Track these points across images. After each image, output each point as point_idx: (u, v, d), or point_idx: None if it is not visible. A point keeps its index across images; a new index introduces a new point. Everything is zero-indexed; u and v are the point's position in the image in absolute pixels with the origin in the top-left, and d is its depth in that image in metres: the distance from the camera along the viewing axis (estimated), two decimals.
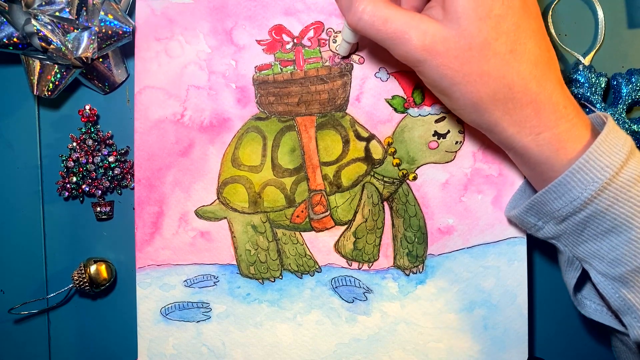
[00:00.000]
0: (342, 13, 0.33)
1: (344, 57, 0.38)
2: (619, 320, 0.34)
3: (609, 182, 0.29)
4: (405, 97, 0.38)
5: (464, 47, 0.29)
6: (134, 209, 0.40)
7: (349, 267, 0.39)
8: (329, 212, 0.39)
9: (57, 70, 0.38)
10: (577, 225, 0.31)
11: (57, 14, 0.36)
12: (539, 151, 0.31)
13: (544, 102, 0.30)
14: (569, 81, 0.40)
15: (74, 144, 0.40)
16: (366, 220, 0.39)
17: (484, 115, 0.31)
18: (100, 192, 0.40)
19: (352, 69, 0.38)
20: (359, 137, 0.39)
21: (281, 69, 0.39)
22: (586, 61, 0.40)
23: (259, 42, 0.39)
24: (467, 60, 0.29)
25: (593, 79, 0.39)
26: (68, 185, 0.40)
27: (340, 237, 0.39)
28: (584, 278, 0.35)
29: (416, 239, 0.39)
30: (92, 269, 0.40)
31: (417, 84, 0.38)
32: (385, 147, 0.39)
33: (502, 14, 0.29)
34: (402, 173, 0.39)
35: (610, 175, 0.29)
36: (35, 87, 0.38)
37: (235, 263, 0.39)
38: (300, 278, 0.39)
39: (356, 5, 0.31)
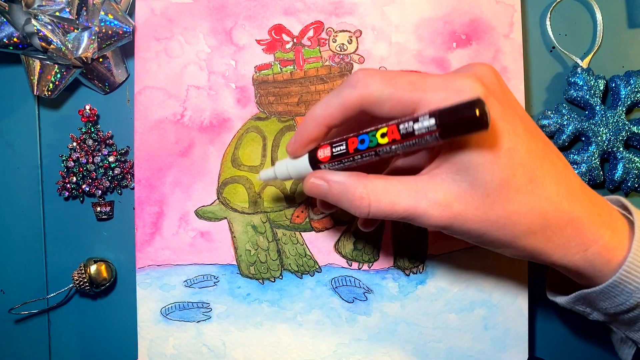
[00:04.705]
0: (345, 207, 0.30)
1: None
2: None
3: None
4: None
5: (481, 197, 0.26)
6: (134, 209, 0.40)
7: (349, 267, 0.39)
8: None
9: (57, 70, 0.38)
10: (629, 319, 0.30)
11: (57, 14, 0.36)
12: (590, 267, 0.29)
13: (581, 217, 0.28)
14: (568, 84, 0.40)
15: (74, 144, 0.40)
16: None
17: (525, 250, 0.28)
18: (100, 192, 0.40)
19: (352, 68, 0.38)
20: None
21: (281, 69, 0.39)
22: (584, 64, 0.40)
23: (258, 42, 0.39)
24: (488, 208, 0.27)
25: (592, 82, 0.39)
26: (68, 185, 0.40)
27: (340, 237, 0.39)
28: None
29: (416, 239, 0.39)
30: (92, 269, 0.40)
31: None
32: None
33: (511, 147, 0.26)
34: None
35: None
36: (35, 87, 0.38)
37: (235, 263, 0.39)
38: (301, 278, 0.39)
39: (354, 199, 0.28)
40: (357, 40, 0.39)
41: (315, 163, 0.30)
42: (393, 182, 0.28)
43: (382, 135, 0.27)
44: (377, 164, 0.30)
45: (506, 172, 0.26)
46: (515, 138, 0.26)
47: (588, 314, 0.33)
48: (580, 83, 0.39)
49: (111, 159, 0.40)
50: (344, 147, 0.28)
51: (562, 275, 0.33)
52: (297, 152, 0.31)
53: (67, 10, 0.36)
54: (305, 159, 0.30)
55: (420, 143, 0.25)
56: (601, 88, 0.39)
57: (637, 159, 0.39)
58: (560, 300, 0.33)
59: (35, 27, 0.36)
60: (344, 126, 0.30)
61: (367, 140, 0.27)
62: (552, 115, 0.40)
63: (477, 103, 0.23)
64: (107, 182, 0.40)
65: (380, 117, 0.28)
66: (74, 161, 0.40)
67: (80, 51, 0.37)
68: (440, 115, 0.24)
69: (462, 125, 0.24)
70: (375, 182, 0.28)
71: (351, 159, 0.28)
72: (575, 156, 0.40)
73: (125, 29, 0.37)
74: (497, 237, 0.28)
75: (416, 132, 0.25)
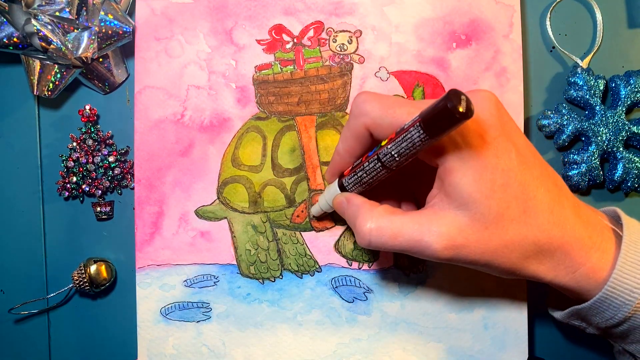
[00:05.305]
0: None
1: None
2: None
3: None
4: (405, 97, 0.38)
5: (480, 229, 0.28)
6: (134, 209, 0.40)
7: (349, 267, 0.39)
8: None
9: (57, 70, 0.38)
10: (621, 332, 0.31)
11: (57, 14, 0.36)
12: (579, 286, 0.30)
13: (570, 242, 0.29)
14: (568, 84, 0.40)
15: (74, 144, 0.40)
16: None
17: (521, 273, 0.30)
18: (100, 192, 0.40)
19: (352, 68, 0.38)
20: None
21: (281, 69, 0.39)
22: (584, 64, 0.40)
23: (259, 41, 0.39)
24: (488, 239, 0.29)
25: (592, 82, 0.39)
26: (68, 185, 0.40)
27: (340, 236, 0.39)
28: None
29: None
30: (92, 269, 0.40)
31: (417, 83, 0.38)
32: None
33: (505, 182, 0.28)
34: None
35: None
36: (35, 87, 0.38)
37: (236, 263, 0.39)
38: (301, 278, 0.39)
39: (360, 225, 0.30)
40: (357, 40, 0.39)
41: (342, 182, 0.33)
42: (397, 214, 0.30)
43: (384, 140, 0.29)
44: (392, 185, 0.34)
45: (501, 206, 0.28)
46: (509, 173, 0.28)
47: (584, 328, 0.34)
48: (580, 83, 0.39)
49: (111, 159, 0.40)
50: (359, 160, 0.32)
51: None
52: (329, 181, 0.35)
53: (67, 10, 0.36)
54: (335, 184, 0.34)
55: (408, 139, 0.27)
56: (601, 88, 0.39)
57: (637, 159, 0.39)
58: (557, 315, 0.35)
59: (35, 27, 0.36)
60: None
61: (375, 148, 0.30)
62: (552, 115, 0.40)
63: (451, 95, 0.24)
64: (107, 182, 0.40)
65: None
66: (74, 161, 0.40)
67: (80, 51, 0.37)
68: (424, 110, 0.26)
69: (438, 117, 0.25)
70: (382, 212, 0.30)
71: (362, 167, 0.31)
72: (575, 156, 0.40)
73: (125, 29, 0.37)
74: (498, 265, 0.29)
75: (405, 126, 0.27)
